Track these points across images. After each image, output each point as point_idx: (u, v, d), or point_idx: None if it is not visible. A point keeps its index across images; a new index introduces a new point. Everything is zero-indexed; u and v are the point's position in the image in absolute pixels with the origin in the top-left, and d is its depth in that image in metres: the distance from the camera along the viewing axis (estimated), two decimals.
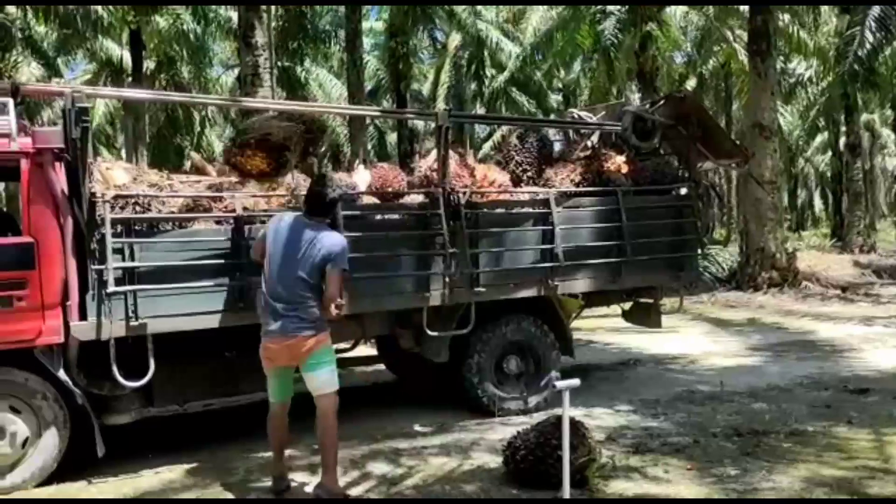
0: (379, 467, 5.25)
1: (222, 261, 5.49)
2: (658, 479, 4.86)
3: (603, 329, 10.67)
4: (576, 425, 4.66)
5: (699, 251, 7.92)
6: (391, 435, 6.05)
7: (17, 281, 5.00)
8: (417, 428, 6.27)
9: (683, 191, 7.71)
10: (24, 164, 5.04)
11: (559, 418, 4.40)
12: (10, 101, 5.14)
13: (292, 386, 4.87)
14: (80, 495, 4.97)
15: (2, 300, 4.96)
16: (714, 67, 28.74)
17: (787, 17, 20.92)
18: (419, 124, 27.18)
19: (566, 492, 4.08)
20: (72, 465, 5.33)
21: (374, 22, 28.76)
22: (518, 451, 4.76)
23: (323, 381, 4.67)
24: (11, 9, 19.86)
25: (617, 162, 7.50)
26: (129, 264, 5.15)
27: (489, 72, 28.79)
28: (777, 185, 16.98)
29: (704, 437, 5.68)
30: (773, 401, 6.77)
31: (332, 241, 4.68)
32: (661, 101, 8.22)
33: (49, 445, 5.17)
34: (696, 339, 10.35)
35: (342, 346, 7.35)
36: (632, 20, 18.96)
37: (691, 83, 29.31)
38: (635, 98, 18.84)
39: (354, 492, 4.82)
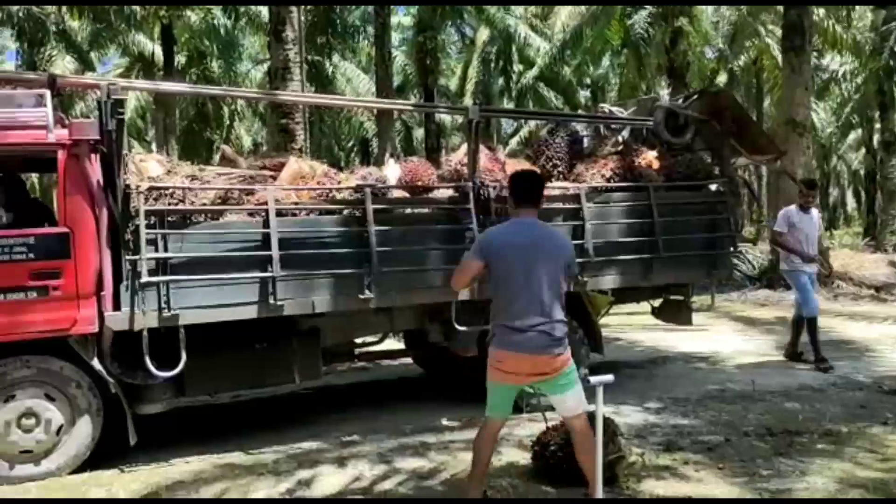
0: (408, 462, 5.23)
1: (254, 252, 5.52)
2: (689, 477, 4.80)
3: (632, 326, 10.58)
4: (606, 422, 4.58)
5: (731, 248, 7.80)
6: (419, 429, 6.04)
7: (53, 270, 5.08)
8: (445, 422, 6.27)
9: (715, 187, 7.62)
10: (61, 156, 5.12)
11: (590, 415, 4.36)
12: (48, 93, 5.22)
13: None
14: (112, 483, 5.02)
15: (38, 289, 5.04)
16: (745, 63, 28.35)
17: (822, 11, 20.56)
18: (446, 120, 27.21)
19: (599, 491, 4.03)
20: (105, 454, 5.40)
21: (402, 17, 28.79)
22: (547, 447, 4.72)
23: (577, 401, 4.23)
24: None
25: (648, 157, 7.43)
26: (162, 255, 5.21)
27: (517, 67, 28.73)
28: None
29: (736, 436, 5.60)
30: (805, 400, 6.66)
31: (564, 240, 4.63)
32: (695, 96, 8.13)
33: (83, 433, 5.25)
34: (726, 337, 10.23)
35: (370, 339, 7.39)
36: (662, 15, 18.77)
37: (722, 79, 28.97)
38: (665, 94, 18.66)
39: (384, 486, 4.81)
